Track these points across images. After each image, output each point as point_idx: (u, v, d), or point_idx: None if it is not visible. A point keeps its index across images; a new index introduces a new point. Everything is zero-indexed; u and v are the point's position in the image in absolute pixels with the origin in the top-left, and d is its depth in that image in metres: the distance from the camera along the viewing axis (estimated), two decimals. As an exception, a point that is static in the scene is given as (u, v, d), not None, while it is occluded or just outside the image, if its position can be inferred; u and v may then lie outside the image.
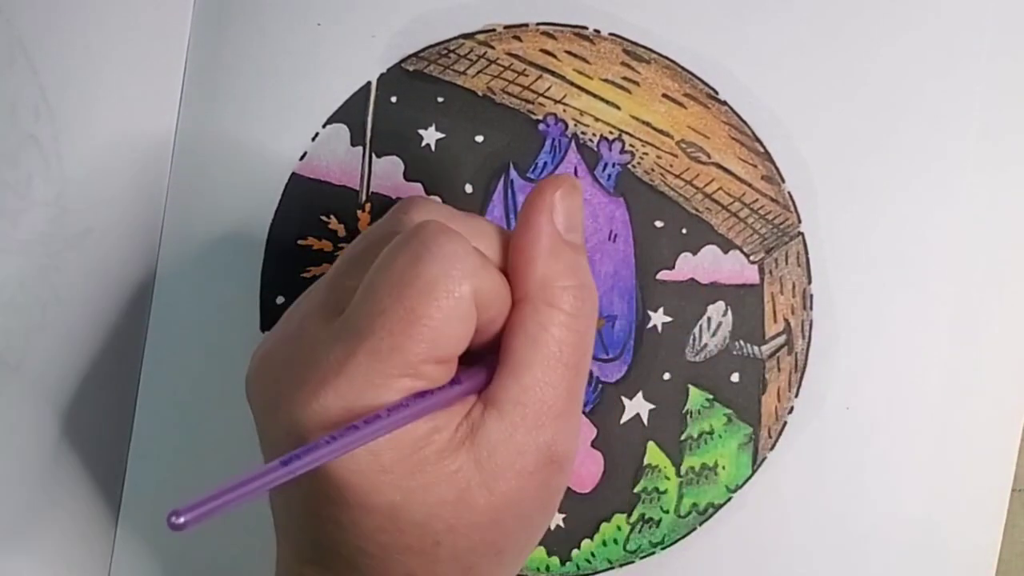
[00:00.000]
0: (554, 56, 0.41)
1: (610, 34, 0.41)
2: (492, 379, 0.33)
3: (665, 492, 0.41)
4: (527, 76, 0.41)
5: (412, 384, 0.31)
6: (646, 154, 0.41)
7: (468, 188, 0.41)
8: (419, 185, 0.41)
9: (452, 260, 0.31)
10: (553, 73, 0.41)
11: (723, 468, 0.41)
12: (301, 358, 0.32)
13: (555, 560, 0.41)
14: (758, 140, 0.41)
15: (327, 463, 0.30)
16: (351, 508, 0.31)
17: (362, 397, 0.31)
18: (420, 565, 0.32)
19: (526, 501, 0.33)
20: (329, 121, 0.42)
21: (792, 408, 0.41)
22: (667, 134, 0.41)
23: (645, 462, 0.41)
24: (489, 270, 0.32)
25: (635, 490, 0.41)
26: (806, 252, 0.41)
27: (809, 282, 0.41)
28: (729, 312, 0.41)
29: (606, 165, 0.41)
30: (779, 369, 0.41)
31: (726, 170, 0.41)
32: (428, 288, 0.31)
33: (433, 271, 0.31)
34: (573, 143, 0.41)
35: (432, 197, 0.41)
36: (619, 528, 0.41)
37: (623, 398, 0.41)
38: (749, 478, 0.41)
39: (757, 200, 0.41)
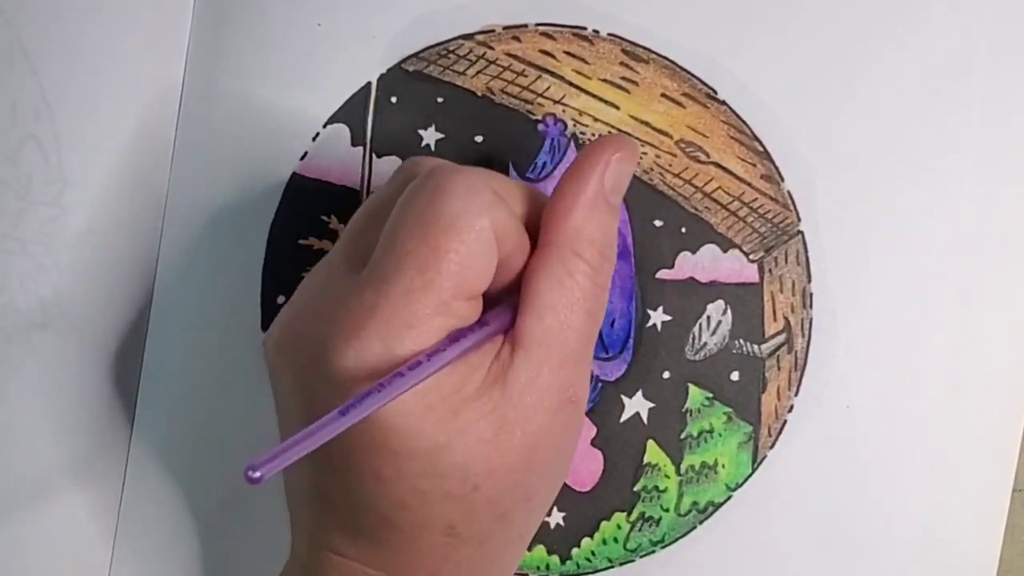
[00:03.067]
0: (553, 56, 0.41)
1: (609, 34, 0.41)
2: (515, 320, 0.34)
3: (665, 491, 0.41)
4: (526, 76, 0.41)
5: (444, 322, 0.32)
6: (645, 153, 0.41)
7: (468, 188, 0.41)
8: (419, 185, 0.42)
9: (470, 195, 0.32)
10: (552, 73, 0.41)
11: (723, 467, 0.41)
12: (331, 312, 0.33)
13: (555, 559, 0.41)
14: (757, 139, 0.41)
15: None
16: (395, 455, 0.32)
17: (400, 338, 0.31)
18: (459, 513, 0.33)
19: (552, 442, 0.34)
20: (329, 121, 0.42)
21: (792, 407, 0.41)
22: (666, 134, 0.41)
23: (645, 461, 0.41)
24: (502, 204, 0.33)
25: (635, 489, 0.41)
26: (805, 251, 0.41)
27: (809, 280, 0.41)
28: (729, 311, 0.41)
29: (605, 165, 0.41)
30: (779, 368, 0.41)
31: (725, 169, 0.41)
32: (450, 223, 0.32)
33: (454, 207, 0.32)
34: (572, 143, 0.41)
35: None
36: (619, 527, 0.41)
37: (623, 397, 0.41)
38: (749, 477, 0.41)
39: (756, 199, 0.41)
